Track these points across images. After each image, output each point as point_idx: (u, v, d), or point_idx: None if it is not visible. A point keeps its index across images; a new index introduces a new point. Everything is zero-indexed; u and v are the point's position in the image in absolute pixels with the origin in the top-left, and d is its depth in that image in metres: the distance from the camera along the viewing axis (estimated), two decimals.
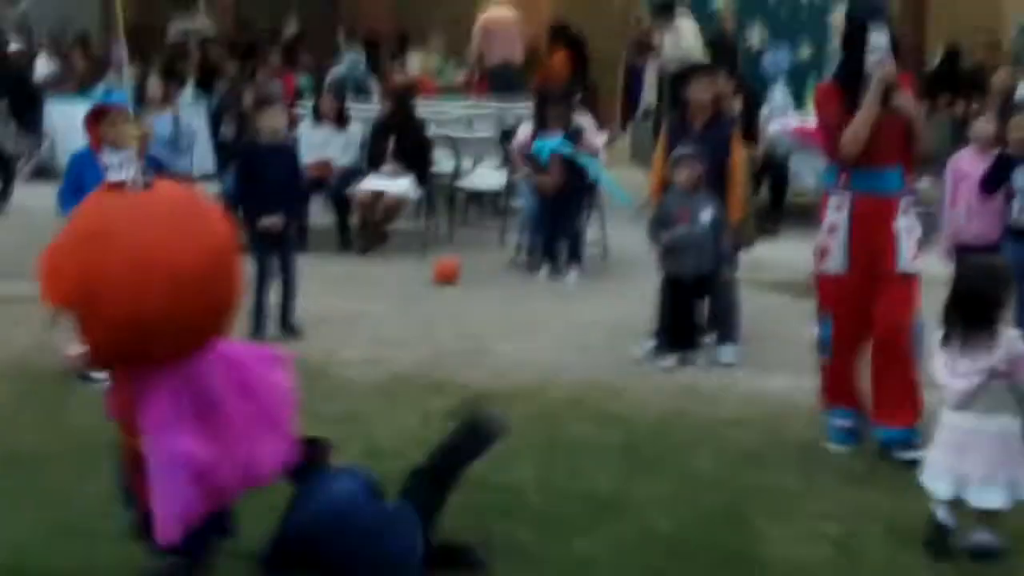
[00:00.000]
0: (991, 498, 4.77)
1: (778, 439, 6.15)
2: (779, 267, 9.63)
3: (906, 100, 5.76)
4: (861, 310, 5.82)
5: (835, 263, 5.84)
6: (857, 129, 5.68)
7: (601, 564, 4.74)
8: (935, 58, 15.12)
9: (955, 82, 13.23)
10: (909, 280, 5.83)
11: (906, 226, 5.80)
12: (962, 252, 7.54)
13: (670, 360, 7.38)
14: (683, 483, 5.57)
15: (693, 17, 14.61)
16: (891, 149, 5.75)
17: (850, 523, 5.14)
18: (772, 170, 11.76)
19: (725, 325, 7.55)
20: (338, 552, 4.42)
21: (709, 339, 7.58)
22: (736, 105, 11.00)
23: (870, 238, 5.77)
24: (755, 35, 15.89)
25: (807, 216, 9.44)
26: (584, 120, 10.60)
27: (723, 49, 14.13)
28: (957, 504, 4.84)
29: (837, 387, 5.99)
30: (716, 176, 7.46)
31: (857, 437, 5.96)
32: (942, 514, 4.86)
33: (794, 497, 5.43)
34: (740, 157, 7.72)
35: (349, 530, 4.42)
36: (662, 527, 5.08)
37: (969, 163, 7.64)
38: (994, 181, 7.24)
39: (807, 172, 11.52)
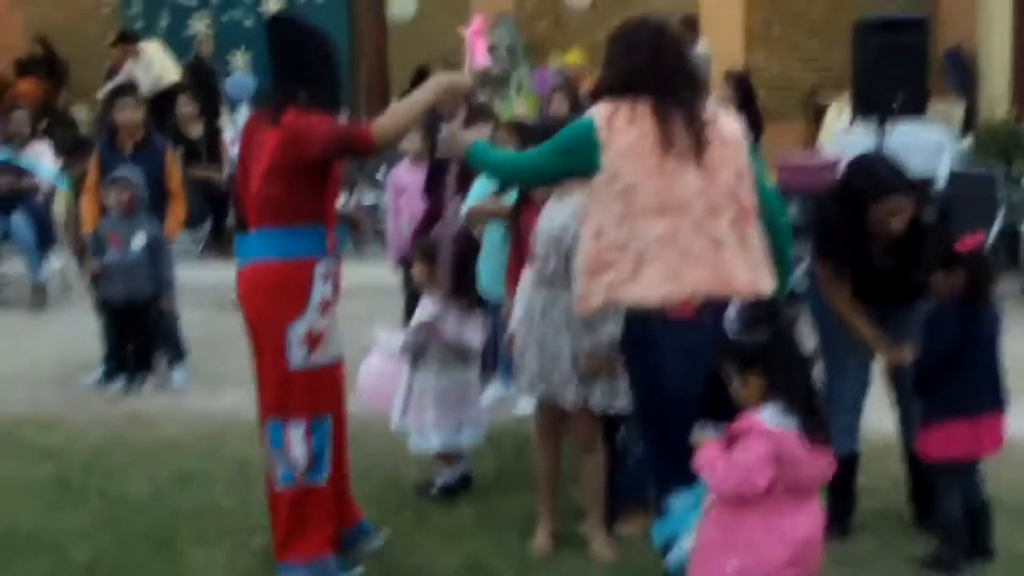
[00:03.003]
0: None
1: (218, 458, 6.08)
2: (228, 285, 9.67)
3: None
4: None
5: (335, 348, 4.57)
6: None
7: None
8: None
9: None
10: None
11: None
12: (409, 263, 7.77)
13: (118, 387, 7.21)
14: (109, 510, 5.41)
15: (165, 42, 14.54)
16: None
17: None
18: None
19: (169, 349, 7.45)
20: None
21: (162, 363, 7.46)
22: (199, 127, 10.98)
23: None
24: (238, 59, 16.04)
25: None
26: (41, 147, 10.16)
27: (200, 72, 14.09)
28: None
29: (329, 516, 4.61)
30: (155, 198, 7.34)
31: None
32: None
33: (225, 515, 5.38)
34: (176, 176, 7.58)
35: None
36: (78, 557, 4.91)
37: (406, 175, 7.85)
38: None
39: None
